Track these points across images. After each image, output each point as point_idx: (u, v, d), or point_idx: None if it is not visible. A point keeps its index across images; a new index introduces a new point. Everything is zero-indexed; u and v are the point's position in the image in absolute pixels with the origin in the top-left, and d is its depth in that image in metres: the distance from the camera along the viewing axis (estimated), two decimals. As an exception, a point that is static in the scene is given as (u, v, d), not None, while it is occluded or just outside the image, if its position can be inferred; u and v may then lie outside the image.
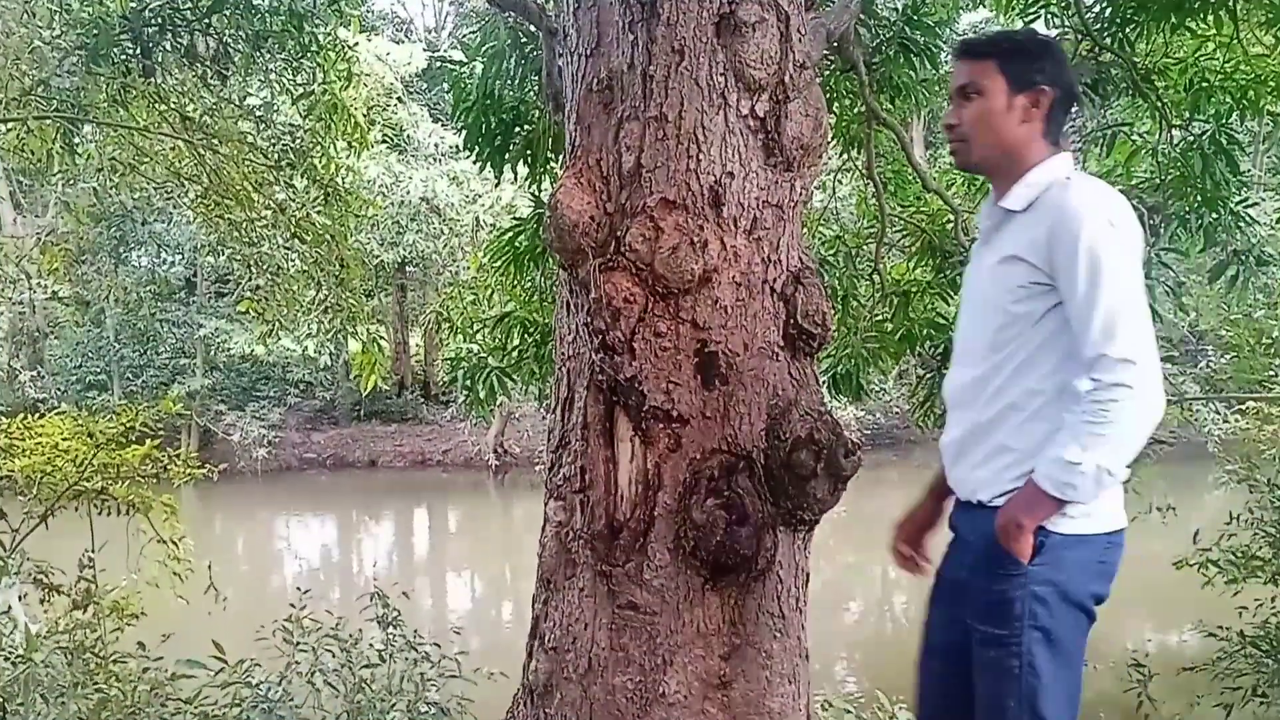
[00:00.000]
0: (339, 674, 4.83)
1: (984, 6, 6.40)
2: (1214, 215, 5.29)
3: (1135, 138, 5.60)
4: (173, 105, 7.31)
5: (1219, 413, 11.92)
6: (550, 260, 5.03)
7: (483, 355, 5.67)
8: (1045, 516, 2.20)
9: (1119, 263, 2.17)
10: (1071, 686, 2.31)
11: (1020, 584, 2.23)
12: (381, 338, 9.07)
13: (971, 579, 2.37)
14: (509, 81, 4.91)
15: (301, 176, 7.63)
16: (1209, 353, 11.69)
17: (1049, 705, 2.25)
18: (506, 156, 5.12)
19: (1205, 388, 10.49)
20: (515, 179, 5.53)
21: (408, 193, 21.64)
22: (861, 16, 4.74)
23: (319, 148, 7.60)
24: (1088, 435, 2.12)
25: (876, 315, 5.71)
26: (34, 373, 23.76)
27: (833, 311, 3.27)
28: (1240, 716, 6.51)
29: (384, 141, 20.51)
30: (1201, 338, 13.38)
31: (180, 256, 23.97)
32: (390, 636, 5.11)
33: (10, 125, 7.10)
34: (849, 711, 5.23)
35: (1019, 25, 5.67)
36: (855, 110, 5.40)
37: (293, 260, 8.14)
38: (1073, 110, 2.50)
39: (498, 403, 5.90)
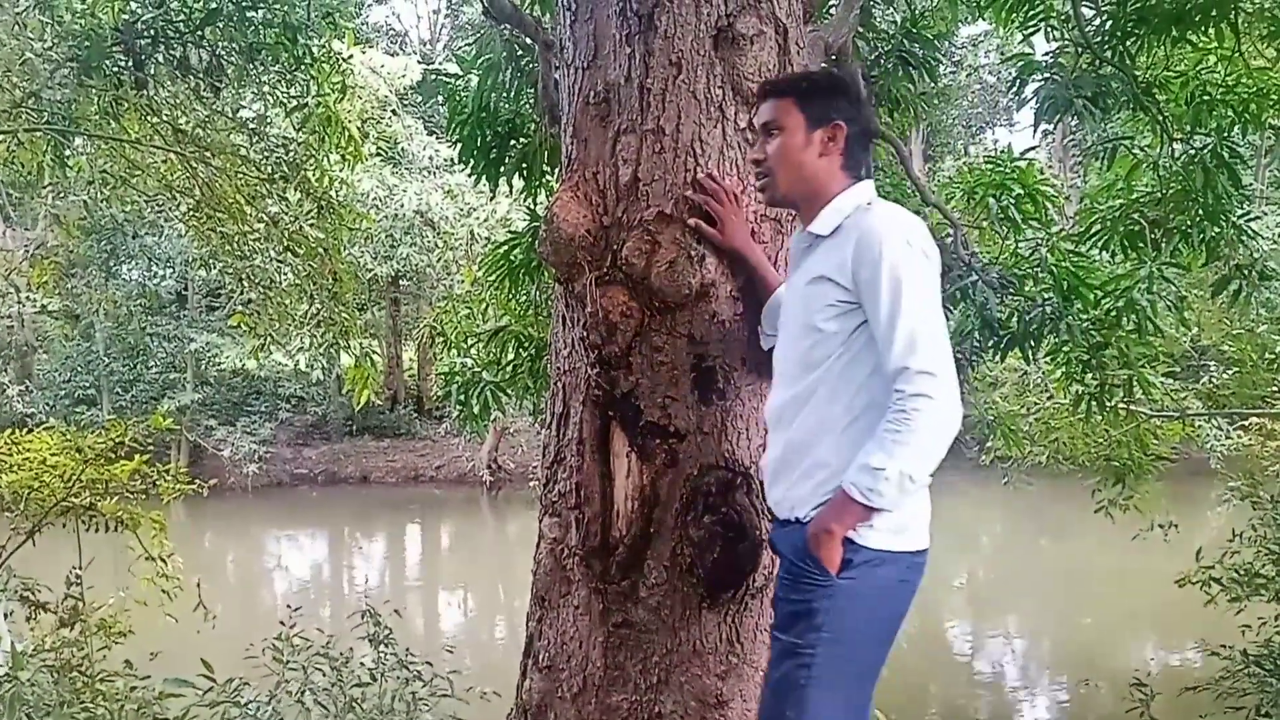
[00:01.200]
0: (329, 693, 4.81)
1: (983, 20, 6.43)
2: (1216, 229, 5.32)
3: (1136, 151, 5.63)
4: (165, 118, 7.31)
5: (1221, 429, 11.92)
6: (545, 274, 5.04)
7: (477, 370, 5.67)
8: (853, 523, 2.29)
9: (918, 281, 2.30)
10: (857, 706, 2.39)
11: (823, 595, 2.31)
12: (375, 352, 9.04)
13: (780, 592, 2.47)
14: (505, 94, 4.93)
15: (295, 189, 7.63)
16: (1211, 368, 11.69)
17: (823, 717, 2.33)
18: (502, 169, 5.14)
19: (1207, 404, 10.49)
20: (510, 192, 5.54)
21: (402, 206, 21.68)
22: (860, 29, 4.76)
23: (312, 160, 7.60)
24: (891, 443, 2.23)
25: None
26: (22, 387, 23.75)
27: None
28: (1244, 737, 6.50)
29: (378, 154, 20.55)
30: (1204, 353, 13.38)
31: (171, 270, 23.97)
32: (382, 655, 5.09)
33: (0, 137, 7.11)
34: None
35: (1018, 38, 5.71)
36: (854, 123, 5.41)
37: (285, 274, 8.13)
38: (872, 143, 2.67)
39: (492, 418, 5.89)
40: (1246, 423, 10.75)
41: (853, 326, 2.37)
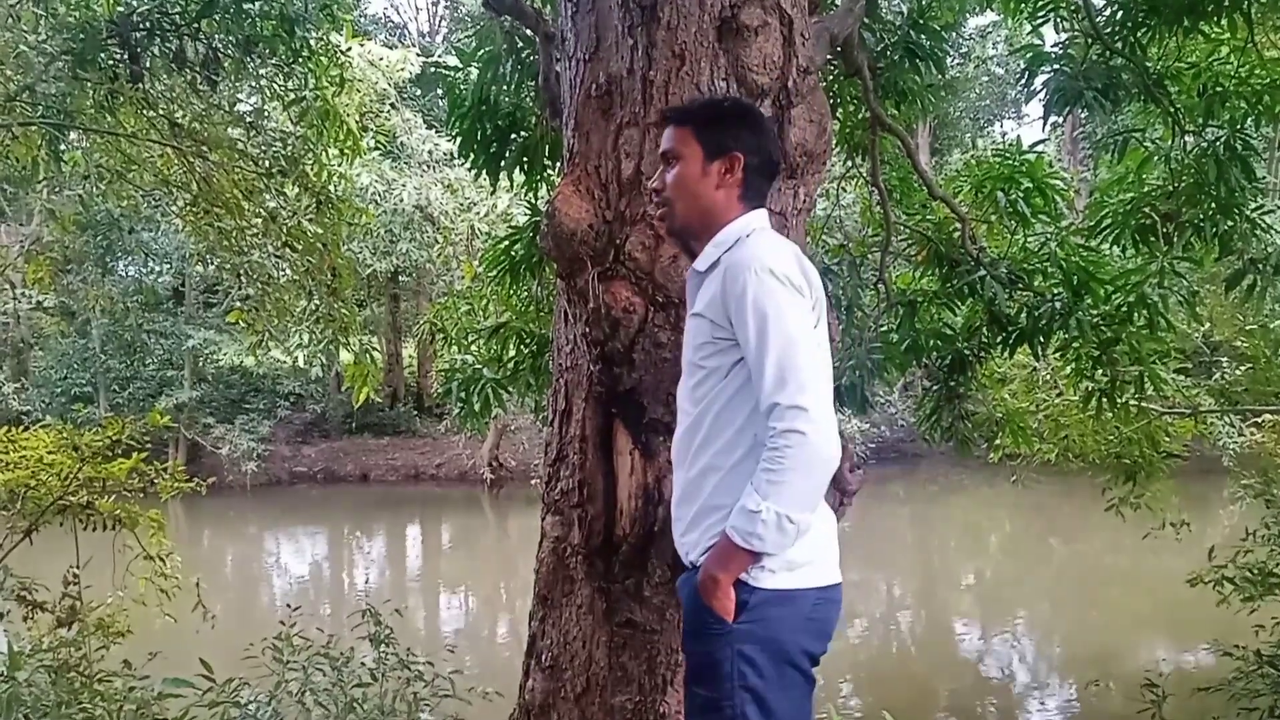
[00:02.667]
0: (330, 693, 4.82)
1: (991, 10, 6.42)
2: (1229, 223, 5.31)
3: (1148, 144, 5.61)
4: (161, 111, 7.31)
5: (1234, 426, 11.91)
6: (547, 269, 5.04)
7: (478, 367, 5.67)
8: (740, 569, 2.24)
9: (784, 313, 2.24)
10: None
11: (725, 643, 2.25)
12: (374, 349, 9.04)
13: (684, 643, 2.41)
14: (505, 87, 4.93)
15: (293, 184, 7.62)
16: (1224, 364, 11.68)
17: None
18: (502, 163, 5.13)
19: (1220, 400, 10.47)
20: (511, 186, 5.54)
21: (401, 200, 21.66)
22: (866, 20, 4.76)
23: (310, 155, 7.60)
24: (765, 484, 2.17)
25: (882, 326, 5.72)
26: (18, 385, 23.80)
27: (837, 322, 3.28)
28: (1257, 738, 6.50)
29: (377, 148, 20.53)
30: (1216, 349, 13.36)
31: (168, 266, 23.99)
32: (382, 655, 5.10)
33: (-5, 131, 7.11)
34: (854, 732, 5.23)
35: (1027, 29, 5.70)
36: (859, 116, 5.41)
37: (283, 269, 8.12)
38: (777, 173, 2.61)
39: (493, 415, 5.89)
40: (1260, 420, 10.74)
41: (731, 363, 2.32)
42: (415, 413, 27.62)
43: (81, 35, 6.26)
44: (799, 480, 2.16)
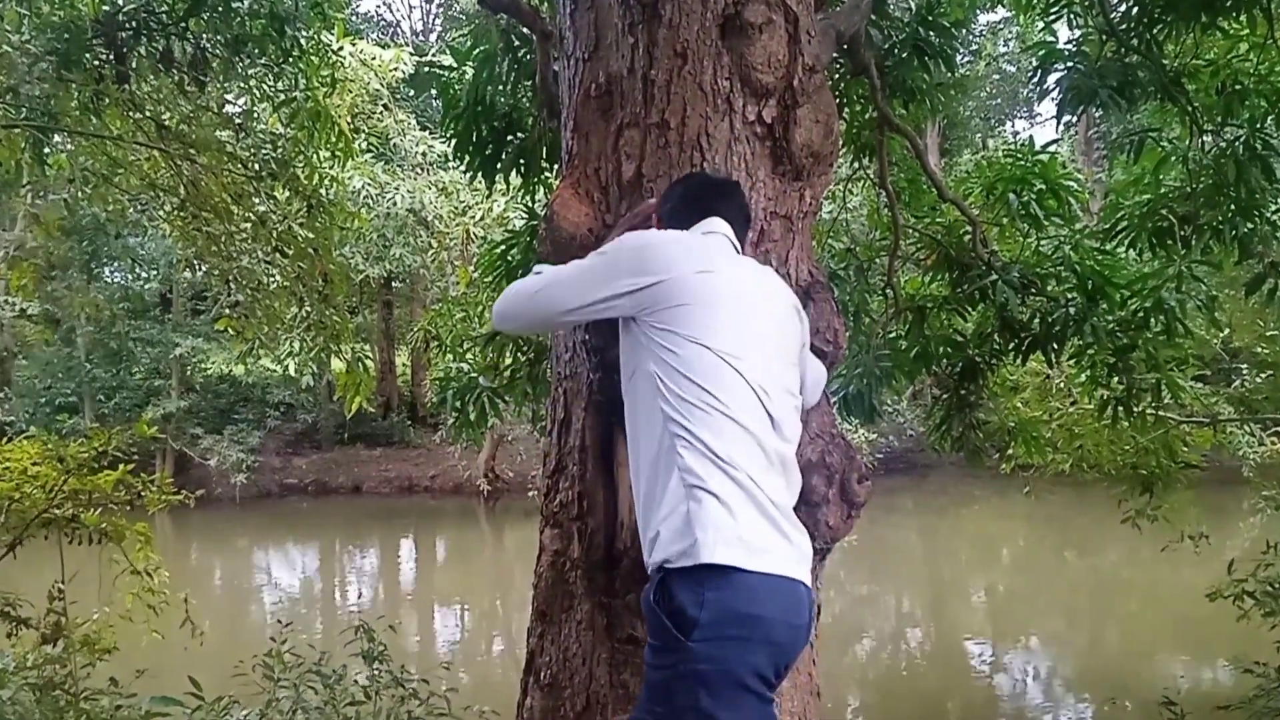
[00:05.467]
0: (322, 712, 4.82)
1: (1002, 6, 6.43)
2: (1249, 226, 5.31)
3: (1165, 144, 5.61)
4: (148, 113, 7.31)
5: (1254, 435, 11.89)
6: (546, 274, 5.03)
7: (473, 375, 5.67)
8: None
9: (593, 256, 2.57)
10: None
11: (680, 661, 2.22)
12: (367, 357, 9.06)
13: (646, 656, 2.39)
14: (501, 87, 4.93)
15: (283, 188, 7.63)
16: (1244, 371, 11.67)
17: None
18: (498, 166, 5.13)
19: (1240, 409, 10.46)
20: (507, 189, 5.54)
21: (394, 204, 21.66)
22: (873, 17, 4.76)
23: (301, 157, 7.61)
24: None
25: (890, 332, 5.72)
26: (1, 394, 23.79)
27: (844, 328, 3.28)
28: (1279, 757, 6.49)
29: (369, 151, 20.57)
30: (1236, 355, 13.37)
31: (155, 272, 24.07)
32: (376, 672, 5.11)
33: (-23, 134, 7.12)
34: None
35: (1039, 25, 5.71)
36: (867, 116, 5.42)
37: (273, 275, 8.13)
38: (702, 194, 2.73)
39: (489, 425, 5.89)
40: (1280, 428, 10.74)
41: (635, 366, 2.46)
42: (409, 423, 27.64)
43: (66, 35, 6.26)
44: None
